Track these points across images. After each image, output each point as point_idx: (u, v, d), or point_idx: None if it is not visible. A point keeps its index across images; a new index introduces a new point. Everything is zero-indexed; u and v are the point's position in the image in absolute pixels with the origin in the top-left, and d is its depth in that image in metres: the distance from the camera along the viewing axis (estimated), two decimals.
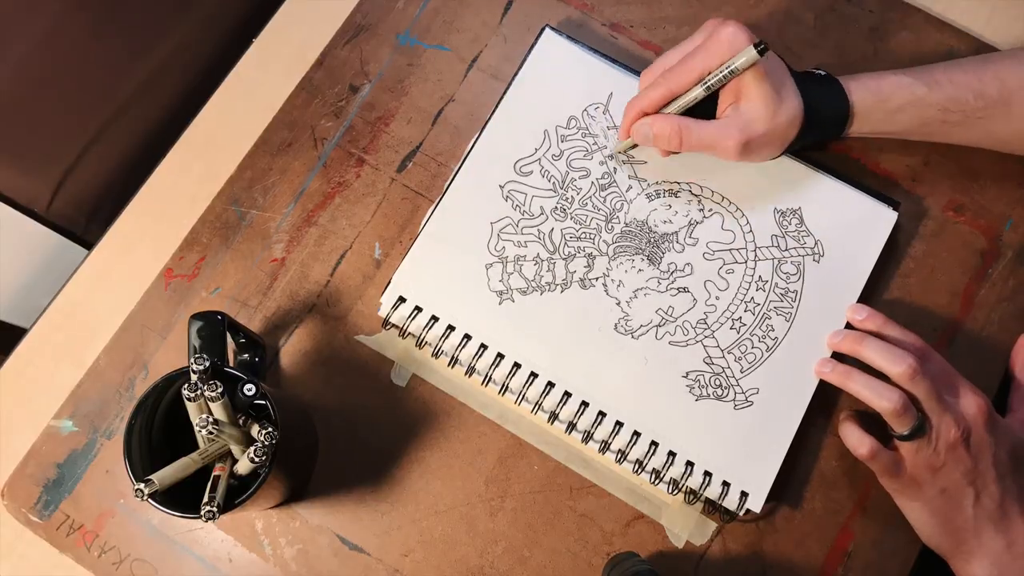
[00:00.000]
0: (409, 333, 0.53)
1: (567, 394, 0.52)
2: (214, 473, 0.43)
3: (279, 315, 0.56)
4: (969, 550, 0.48)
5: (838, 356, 0.52)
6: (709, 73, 0.49)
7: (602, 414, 0.51)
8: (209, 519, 0.40)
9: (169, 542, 0.52)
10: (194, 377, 0.42)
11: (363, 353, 0.55)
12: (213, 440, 0.43)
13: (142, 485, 0.40)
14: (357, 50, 0.61)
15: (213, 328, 0.47)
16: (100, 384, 0.55)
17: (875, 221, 0.55)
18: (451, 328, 0.53)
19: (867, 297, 0.54)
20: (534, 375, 0.52)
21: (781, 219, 0.55)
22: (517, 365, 0.52)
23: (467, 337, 0.53)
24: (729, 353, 0.53)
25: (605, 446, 0.51)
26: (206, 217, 0.58)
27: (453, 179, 0.56)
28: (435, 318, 0.53)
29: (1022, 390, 0.53)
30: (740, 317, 0.53)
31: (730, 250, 0.54)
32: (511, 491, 0.53)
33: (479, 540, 0.52)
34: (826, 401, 0.53)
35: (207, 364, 0.42)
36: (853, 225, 0.55)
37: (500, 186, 0.55)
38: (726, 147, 0.50)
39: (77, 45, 0.56)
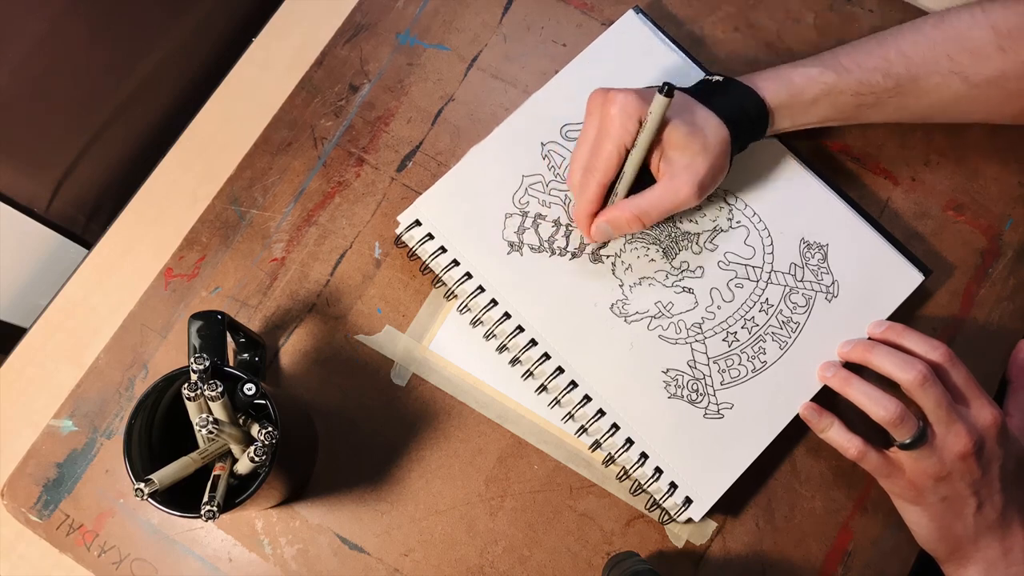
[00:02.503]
0: (416, 256, 0.55)
1: (546, 355, 0.52)
2: (214, 473, 0.43)
3: (279, 315, 0.56)
4: (965, 555, 0.48)
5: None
6: (626, 149, 0.48)
7: (574, 384, 0.52)
8: (209, 519, 0.40)
9: (169, 542, 0.52)
10: (194, 377, 0.42)
11: (363, 353, 0.55)
12: (213, 440, 0.43)
13: (142, 485, 0.40)
14: (357, 49, 0.61)
15: (213, 328, 0.47)
16: (100, 384, 0.55)
17: (899, 279, 0.54)
18: (455, 263, 0.54)
19: None
20: (520, 328, 0.53)
21: (805, 250, 0.55)
22: (507, 315, 0.53)
23: (468, 275, 0.54)
24: (714, 363, 0.53)
25: (569, 416, 0.52)
26: (206, 217, 0.58)
27: (500, 126, 0.57)
28: (443, 249, 0.54)
29: (1020, 396, 0.53)
30: (736, 332, 0.53)
31: (746, 265, 0.54)
32: (511, 490, 0.53)
33: (479, 540, 0.52)
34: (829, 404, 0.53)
35: (207, 364, 0.42)
36: (876, 276, 0.54)
37: (542, 143, 0.56)
38: (685, 199, 0.49)
39: (77, 45, 0.56)
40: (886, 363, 0.49)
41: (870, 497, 0.53)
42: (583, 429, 0.52)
